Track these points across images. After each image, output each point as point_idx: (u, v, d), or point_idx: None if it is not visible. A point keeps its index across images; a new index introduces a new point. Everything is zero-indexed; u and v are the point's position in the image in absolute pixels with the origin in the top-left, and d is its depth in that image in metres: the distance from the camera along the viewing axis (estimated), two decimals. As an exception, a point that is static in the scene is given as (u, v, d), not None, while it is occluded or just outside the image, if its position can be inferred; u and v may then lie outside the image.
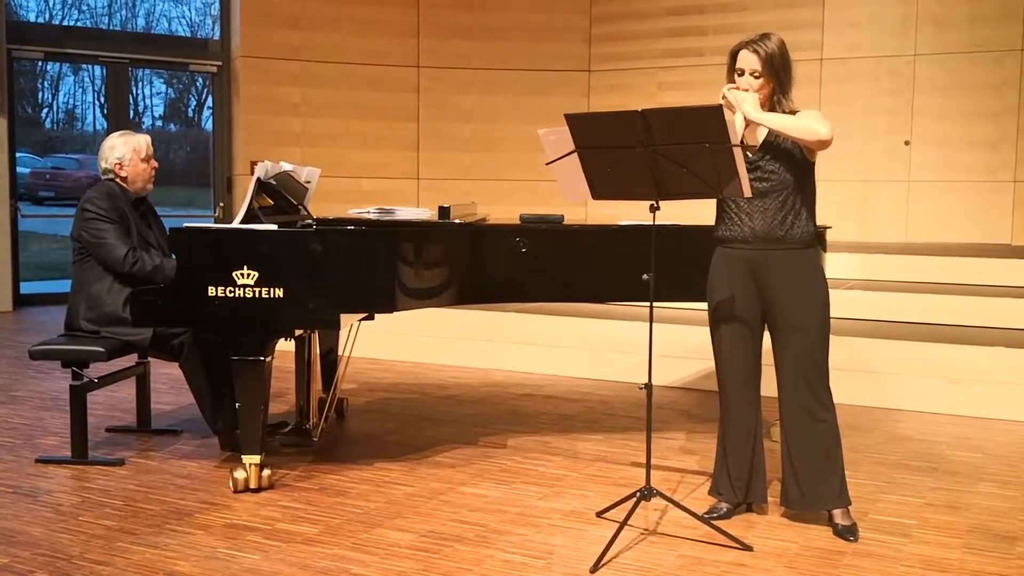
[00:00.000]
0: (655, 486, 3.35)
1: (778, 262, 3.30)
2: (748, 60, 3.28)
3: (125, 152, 4.27)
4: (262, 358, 3.70)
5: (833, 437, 3.35)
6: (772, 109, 3.31)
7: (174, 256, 3.77)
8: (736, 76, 3.31)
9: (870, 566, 3.08)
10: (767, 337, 3.44)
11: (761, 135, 3.33)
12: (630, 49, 9.32)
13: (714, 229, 3.44)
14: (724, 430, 3.48)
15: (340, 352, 4.84)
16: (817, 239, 3.43)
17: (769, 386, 3.44)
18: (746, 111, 3.23)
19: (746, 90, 3.27)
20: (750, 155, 3.30)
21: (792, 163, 3.27)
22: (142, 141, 4.33)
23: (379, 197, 8.69)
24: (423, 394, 5.58)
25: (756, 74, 3.26)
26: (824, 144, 3.19)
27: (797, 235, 3.29)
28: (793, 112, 3.30)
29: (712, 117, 3.03)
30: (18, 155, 9.14)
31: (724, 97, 3.28)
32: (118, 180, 4.27)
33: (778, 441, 3.79)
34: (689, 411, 5.19)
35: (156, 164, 4.39)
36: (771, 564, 3.08)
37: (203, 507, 3.58)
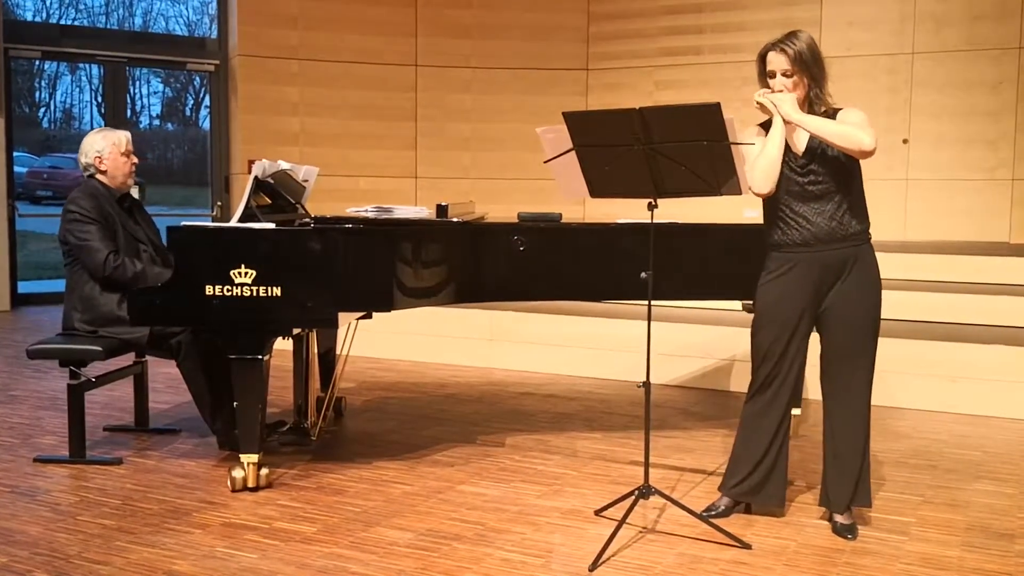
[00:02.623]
0: (654, 484, 3.35)
1: (842, 260, 3.24)
2: (778, 61, 3.22)
3: (104, 146, 4.27)
4: (260, 357, 3.69)
5: (869, 438, 3.35)
6: (810, 107, 3.25)
7: (171, 255, 3.76)
8: (768, 79, 3.25)
9: (869, 564, 3.08)
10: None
11: (804, 137, 3.26)
12: (628, 48, 9.31)
13: (767, 234, 3.37)
14: (749, 430, 3.41)
15: (338, 351, 4.84)
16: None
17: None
18: (786, 112, 3.17)
19: (780, 91, 3.21)
20: (797, 156, 3.25)
21: (842, 162, 3.22)
22: (121, 136, 4.34)
23: (377, 196, 8.68)
24: (422, 393, 5.58)
25: (788, 73, 3.20)
26: (865, 155, 3.13)
27: (857, 232, 3.25)
28: (836, 110, 3.25)
29: (709, 115, 3.02)
30: (15, 155, 9.13)
31: (759, 103, 3.23)
32: (99, 177, 4.27)
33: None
34: (688, 409, 5.19)
35: (136, 160, 4.39)
36: (770, 562, 3.08)
37: (201, 506, 3.58)
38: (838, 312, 3.28)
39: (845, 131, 3.13)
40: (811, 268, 3.26)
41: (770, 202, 3.31)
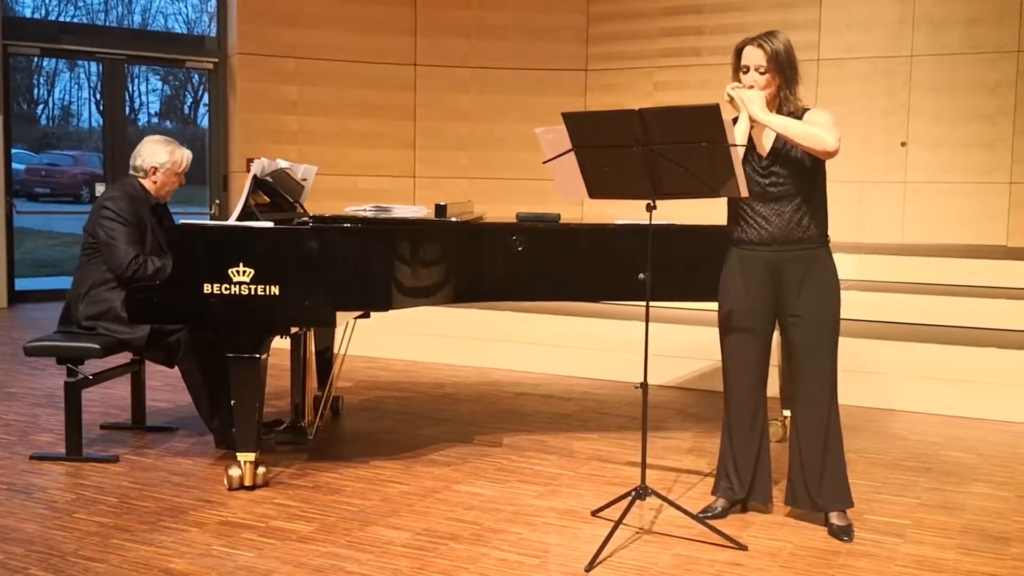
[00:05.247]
0: (650, 485, 3.35)
1: (797, 261, 3.29)
2: (753, 56, 3.26)
3: (166, 160, 4.28)
4: (257, 356, 3.69)
5: (840, 438, 3.36)
6: (779, 107, 3.29)
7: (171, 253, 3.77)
8: (741, 73, 3.29)
9: (865, 566, 3.08)
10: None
11: (770, 138, 3.30)
12: (627, 48, 9.32)
13: (729, 231, 3.42)
14: (732, 429, 3.45)
15: (336, 350, 4.84)
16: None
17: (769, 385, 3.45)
18: (753, 112, 3.21)
19: (751, 87, 3.25)
20: (760, 157, 3.29)
21: (804, 166, 3.26)
22: (186, 157, 4.36)
23: (376, 195, 8.67)
24: (419, 392, 5.58)
25: (761, 70, 3.24)
26: (829, 155, 3.18)
27: (814, 235, 3.29)
28: (804, 110, 3.28)
29: (709, 116, 3.02)
30: (13, 152, 9.13)
31: (729, 96, 3.27)
32: (143, 180, 4.27)
33: (775, 440, 3.79)
34: (684, 410, 5.19)
35: (184, 182, 4.41)
36: (766, 563, 3.09)
37: (198, 504, 3.58)
38: (797, 315, 3.32)
39: (810, 131, 3.17)
40: (767, 267, 3.32)
41: (733, 200, 3.35)
